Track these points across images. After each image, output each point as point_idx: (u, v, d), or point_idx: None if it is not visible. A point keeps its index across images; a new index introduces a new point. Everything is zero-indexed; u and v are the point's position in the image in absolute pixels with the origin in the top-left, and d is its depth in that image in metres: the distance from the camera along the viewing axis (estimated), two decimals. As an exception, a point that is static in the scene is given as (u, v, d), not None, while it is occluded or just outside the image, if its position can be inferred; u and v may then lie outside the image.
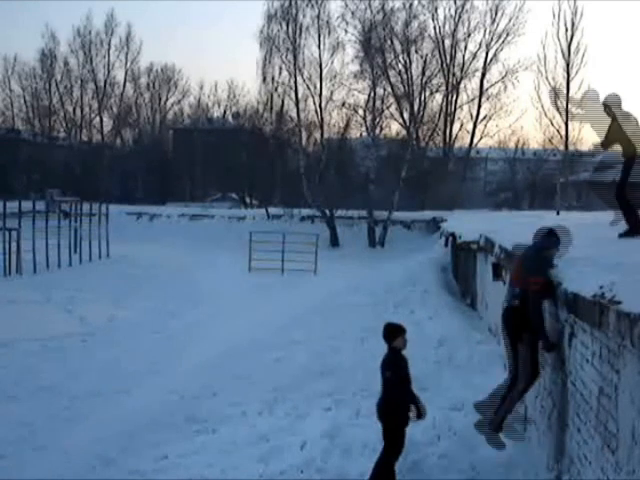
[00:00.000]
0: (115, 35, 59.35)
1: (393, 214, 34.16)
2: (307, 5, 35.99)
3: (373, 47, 35.76)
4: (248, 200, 47.73)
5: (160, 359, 12.50)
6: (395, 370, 6.58)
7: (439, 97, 43.66)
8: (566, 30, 37.43)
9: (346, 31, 36.47)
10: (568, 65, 37.49)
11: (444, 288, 16.27)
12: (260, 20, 36.58)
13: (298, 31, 35.91)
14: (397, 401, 6.55)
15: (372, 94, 35.74)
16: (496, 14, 45.00)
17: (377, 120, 36.16)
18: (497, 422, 6.42)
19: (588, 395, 5.18)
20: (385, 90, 36.96)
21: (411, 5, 38.03)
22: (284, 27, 36.01)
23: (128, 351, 13.06)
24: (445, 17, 44.97)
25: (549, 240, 6.42)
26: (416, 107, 39.86)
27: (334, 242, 33.76)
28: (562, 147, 39.68)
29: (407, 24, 38.07)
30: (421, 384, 9.40)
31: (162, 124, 63.97)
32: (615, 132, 7.99)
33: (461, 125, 46.43)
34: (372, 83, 35.72)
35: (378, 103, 36.02)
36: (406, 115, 39.37)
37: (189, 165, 57.58)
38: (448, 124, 45.27)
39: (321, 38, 36.20)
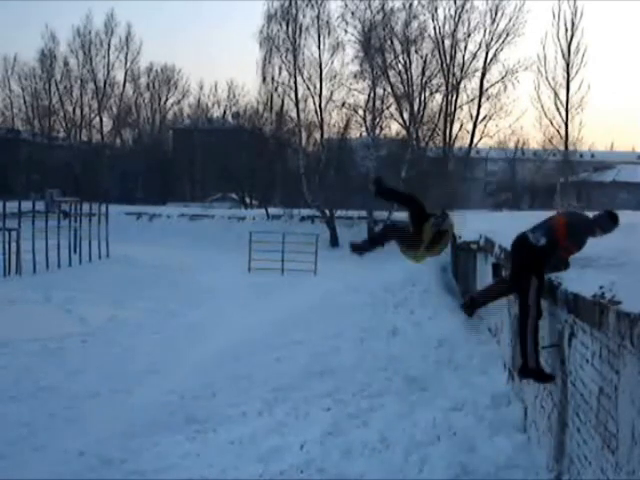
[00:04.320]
0: (115, 35, 59.63)
1: (393, 214, 34.14)
2: (307, 5, 36.08)
3: (373, 47, 35.79)
4: (248, 200, 47.75)
5: (160, 359, 12.48)
6: None
7: (439, 97, 43.65)
8: (566, 30, 37.54)
9: (346, 31, 36.55)
10: (568, 65, 37.59)
11: (444, 288, 16.23)
12: (260, 20, 36.90)
13: (298, 31, 35.99)
14: None
15: (372, 94, 35.78)
16: (496, 14, 44.95)
17: (377, 120, 36.18)
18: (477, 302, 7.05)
19: (588, 395, 5.18)
20: (385, 90, 37.01)
21: (411, 5, 38.12)
22: (284, 27, 36.12)
23: (128, 351, 13.05)
24: (445, 17, 44.89)
25: (606, 222, 6.33)
26: (416, 107, 39.89)
27: (334, 242, 33.74)
28: (562, 147, 39.67)
29: (407, 24, 38.15)
30: (421, 384, 9.45)
31: (162, 124, 64.05)
32: None
33: (461, 125, 46.35)
34: (372, 83, 35.75)
35: (378, 103, 36.06)
36: (406, 115, 39.40)
37: (189, 165, 57.66)
38: (448, 124, 45.17)
39: (321, 38, 36.31)
